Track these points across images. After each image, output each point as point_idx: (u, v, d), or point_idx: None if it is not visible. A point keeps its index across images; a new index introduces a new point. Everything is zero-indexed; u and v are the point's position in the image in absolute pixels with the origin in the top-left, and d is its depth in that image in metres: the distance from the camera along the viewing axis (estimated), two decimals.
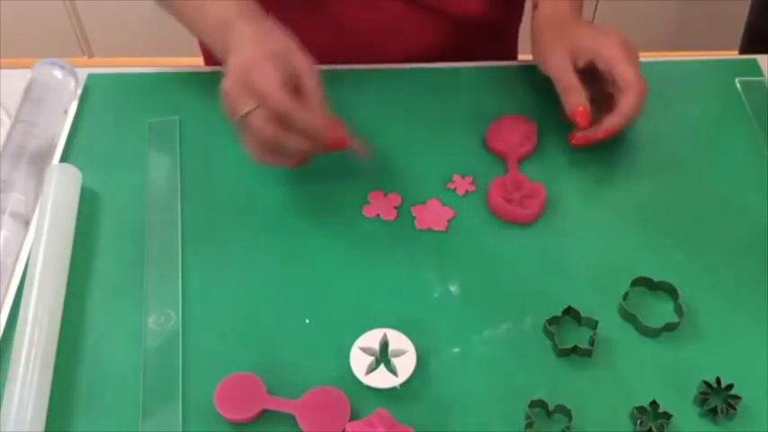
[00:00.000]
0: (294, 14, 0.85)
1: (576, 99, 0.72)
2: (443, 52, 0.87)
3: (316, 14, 0.84)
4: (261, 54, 0.63)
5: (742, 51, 1.16)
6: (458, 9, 0.86)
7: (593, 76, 0.73)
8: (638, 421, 0.58)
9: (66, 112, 0.79)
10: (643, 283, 0.65)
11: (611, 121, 0.71)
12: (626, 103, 0.70)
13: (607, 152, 0.75)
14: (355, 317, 0.64)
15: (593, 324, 0.63)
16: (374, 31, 0.85)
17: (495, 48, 0.94)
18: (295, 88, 0.64)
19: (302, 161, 0.67)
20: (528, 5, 0.86)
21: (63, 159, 0.75)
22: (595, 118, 0.72)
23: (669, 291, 0.65)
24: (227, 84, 0.64)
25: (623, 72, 0.70)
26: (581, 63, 0.73)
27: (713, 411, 0.58)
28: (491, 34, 0.91)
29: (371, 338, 0.61)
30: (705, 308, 0.64)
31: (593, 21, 1.84)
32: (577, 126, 0.72)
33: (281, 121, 0.62)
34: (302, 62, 0.65)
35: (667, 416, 0.57)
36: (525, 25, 0.94)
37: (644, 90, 0.70)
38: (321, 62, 0.84)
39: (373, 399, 0.59)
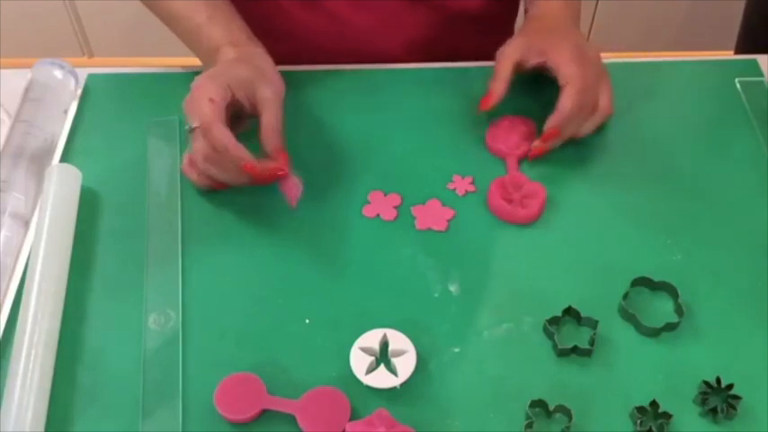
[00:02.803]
0: (292, 15, 0.85)
1: (494, 86, 0.73)
2: (440, 47, 0.87)
3: (312, 14, 0.85)
4: (215, 76, 0.67)
5: (737, 51, 1.16)
6: (453, 2, 0.86)
7: None
8: (638, 421, 0.58)
9: (65, 112, 0.79)
10: (643, 283, 0.65)
11: (551, 122, 0.71)
12: (561, 101, 0.71)
13: (607, 152, 0.75)
14: (355, 317, 0.64)
15: (593, 324, 0.63)
16: (370, 28, 0.85)
17: (492, 43, 0.94)
18: (252, 110, 0.68)
19: (220, 184, 0.70)
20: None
21: (63, 159, 0.75)
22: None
23: (669, 291, 0.65)
24: (186, 99, 0.68)
25: (564, 69, 0.71)
26: (530, 64, 0.74)
27: (713, 411, 0.58)
28: (487, 28, 0.91)
29: (371, 338, 0.61)
30: (705, 308, 0.64)
31: (592, 20, 1.84)
32: (480, 106, 0.74)
33: (205, 137, 0.65)
34: (264, 92, 0.68)
35: (667, 416, 0.57)
36: (520, 23, 0.94)
37: (580, 86, 0.70)
38: (320, 62, 0.84)
39: (373, 399, 0.59)
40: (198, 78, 0.68)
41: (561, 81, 0.71)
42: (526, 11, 0.82)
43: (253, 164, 0.65)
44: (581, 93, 0.71)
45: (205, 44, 0.74)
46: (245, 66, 0.69)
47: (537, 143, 0.73)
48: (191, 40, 0.76)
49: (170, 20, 0.77)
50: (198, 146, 0.66)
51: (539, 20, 0.78)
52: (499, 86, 0.73)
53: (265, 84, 0.68)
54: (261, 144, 0.67)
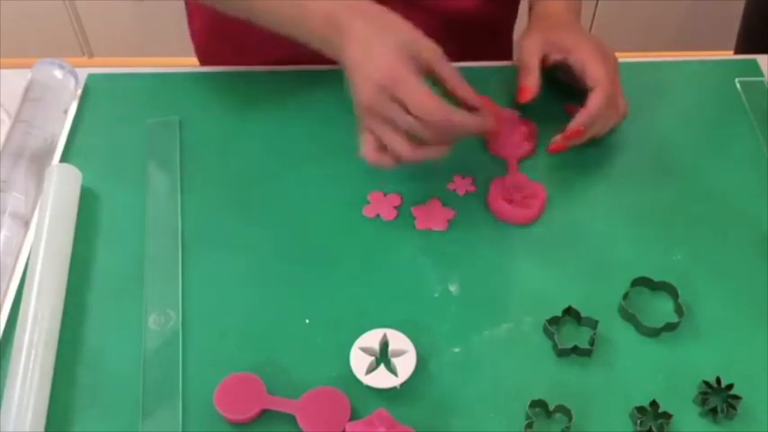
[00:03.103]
0: None
1: (527, 80, 0.73)
2: None
3: None
4: (393, 56, 0.62)
5: (737, 51, 1.16)
6: (448, 5, 0.85)
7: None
8: (638, 421, 0.58)
9: (65, 112, 0.79)
10: (643, 283, 0.65)
11: (577, 120, 0.71)
12: (591, 101, 0.70)
13: (607, 152, 0.75)
14: (355, 317, 0.64)
15: (593, 324, 0.63)
16: None
17: (490, 47, 0.94)
18: (426, 73, 0.64)
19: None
20: (524, 5, 0.86)
21: (63, 159, 0.75)
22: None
23: (669, 291, 0.65)
24: (367, 93, 0.62)
25: (592, 70, 0.71)
26: (552, 59, 0.74)
27: (713, 411, 0.58)
28: (484, 32, 0.91)
29: (371, 338, 0.61)
30: (705, 308, 0.64)
31: (592, 20, 1.84)
32: (517, 99, 0.73)
33: (442, 128, 0.62)
34: (429, 50, 0.64)
35: (667, 416, 0.58)
36: (521, 26, 0.94)
37: (610, 89, 0.70)
38: (317, 64, 0.84)
39: (373, 399, 0.59)
40: (378, 65, 0.62)
41: (589, 81, 0.71)
42: (530, 7, 0.81)
43: (491, 124, 0.66)
44: (610, 94, 0.70)
45: (316, 17, 0.66)
46: (396, 33, 0.64)
47: (558, 138, 0.73)
48: (292, 23, 0.68)
49: (260, 11, 0.71)
50: (395, 135, 0.63)
51: (546, 18, 0.78)
52: (533, 80, 0.73)
53: (423, 41, 0.65)
54: (453, 99, 0.65)
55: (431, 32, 0.86)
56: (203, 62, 0.96)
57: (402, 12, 0.84)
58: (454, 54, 0.85)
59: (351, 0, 0.66)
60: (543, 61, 0.74)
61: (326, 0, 0.66)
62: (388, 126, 0.64)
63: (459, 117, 0.64)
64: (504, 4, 0.91)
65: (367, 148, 0.66)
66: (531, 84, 0.73)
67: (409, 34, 0.65)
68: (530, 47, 0.75)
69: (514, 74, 0.82)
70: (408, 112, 0.62)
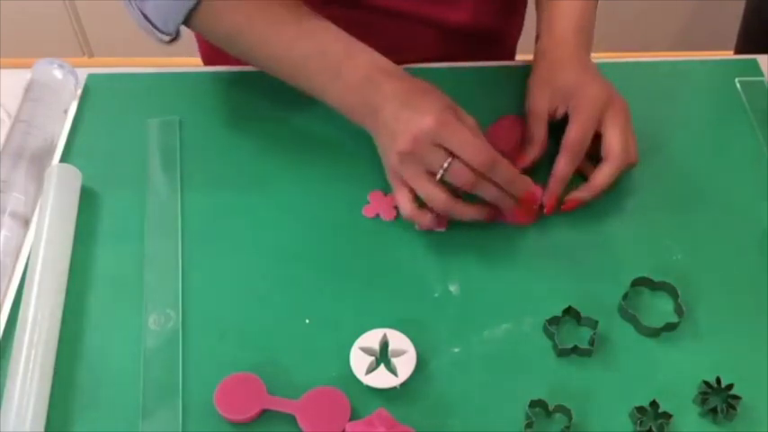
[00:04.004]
0: None
1: (530, 153, 0.71)
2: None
3: None
4: (438, 111, 0.62)
5: (737, 51, 1.16)
6: (448, 20, 0.85)
7: None
8: (638, 421, 0.58)
9: (65, 112, 0.79)
10: (643, 283, 0.65)
11: (552, 189, 0.69)
12: (557, 166, 0.69)
13: None
14: (355, 317, 0.64)
15: (593, 324, 0.63)
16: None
17: (491, 53, 0.93)
18: None
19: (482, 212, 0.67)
20: (530, 8, 0.86)
21: (63, 159, 0.75)
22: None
23: (669, 291, 0.65)
24: (408, 140, 0.62)
25: (572, 128, 0.69)
26: (560, 113, 0.71)
27: (713, 411, 0.58)
28: (484, 41, 0.90)
29: (371, 338, 0.61)
30: (705, 308, 0.64)
31: None
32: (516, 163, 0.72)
33: (485, 170, 0.62)
34: (468, 119, 0.65)
35: (667, 416, 0.58)
36: (525, 35, 0.94)
37: (623, 163, 0.69)
38: None
39: (373, 399, 0.59)
40: (425, 117, 0.61)
41: (564, 140, 0.69)
42: (538, 19, 0.79)
43: (527, 194, 0.66)
44: (577, 156, 0.69)
45: (356, 79, 0.66)
46: (432, 95, 0.64)
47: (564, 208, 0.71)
48: (320, 84, 0.69)
49: (287, 70, 0.71)
50: (464, 177, 0.62)
51: (549, 58, 0.74)
52: (532, 153, 0.71)
53: (462, 111, 0.65)
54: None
55: (430, 43, 0.86)
56: (206, 61, 0.95)
57: (400, 25, 0.84)
58: (454, 59, 0.86)
59: (382, 64, 0.66)
60: (551, 116, 0.72)
61: (363, 65, 0.66)
62: (424, 176, 0.63)
63: (506, 163, 0.63)
64: (503, 16, 0.90)
65: (403, 202, 0.65)
66: (530, 157, 0.71)
67: (448, 101, 0.65)
68: (536, 110, 0.72)
69: (515, 74, 0.83)
70: (452, 156, 0.61)
